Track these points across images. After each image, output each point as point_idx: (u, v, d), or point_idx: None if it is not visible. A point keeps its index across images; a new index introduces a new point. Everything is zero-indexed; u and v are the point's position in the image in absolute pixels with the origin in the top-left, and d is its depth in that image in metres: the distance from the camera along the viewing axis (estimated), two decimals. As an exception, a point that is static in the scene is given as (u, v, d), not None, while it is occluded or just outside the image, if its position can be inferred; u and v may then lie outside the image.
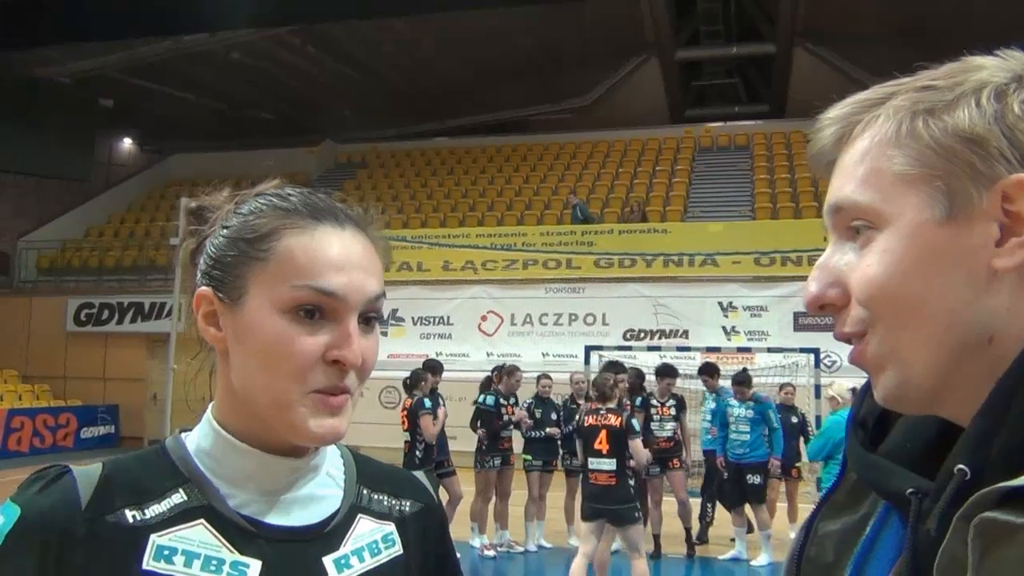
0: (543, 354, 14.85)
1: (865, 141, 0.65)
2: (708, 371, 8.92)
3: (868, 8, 19.70)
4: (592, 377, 9.07)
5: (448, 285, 16.45)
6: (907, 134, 0.62)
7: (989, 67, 0.63)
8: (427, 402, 7.66)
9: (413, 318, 16.33)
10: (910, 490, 0.62)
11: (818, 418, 9.57)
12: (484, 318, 16.08)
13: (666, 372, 8.74)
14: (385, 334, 16.10)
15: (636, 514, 6.36)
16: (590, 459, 6.29)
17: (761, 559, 7.94)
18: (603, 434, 6.20)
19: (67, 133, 20.64)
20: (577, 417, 7.56)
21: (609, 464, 6.15)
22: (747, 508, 8.24)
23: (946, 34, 17.71)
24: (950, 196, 0.60)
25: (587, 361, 11.44)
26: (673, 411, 8.58)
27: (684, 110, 24.85)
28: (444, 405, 7.97)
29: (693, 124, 23.01)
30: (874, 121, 0.65)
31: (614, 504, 6.20)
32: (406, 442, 7.77)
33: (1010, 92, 0.61)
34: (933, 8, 18.44)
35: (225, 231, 0.91)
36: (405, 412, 7.82)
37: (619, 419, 6.30)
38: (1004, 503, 0.53)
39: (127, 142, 25.93)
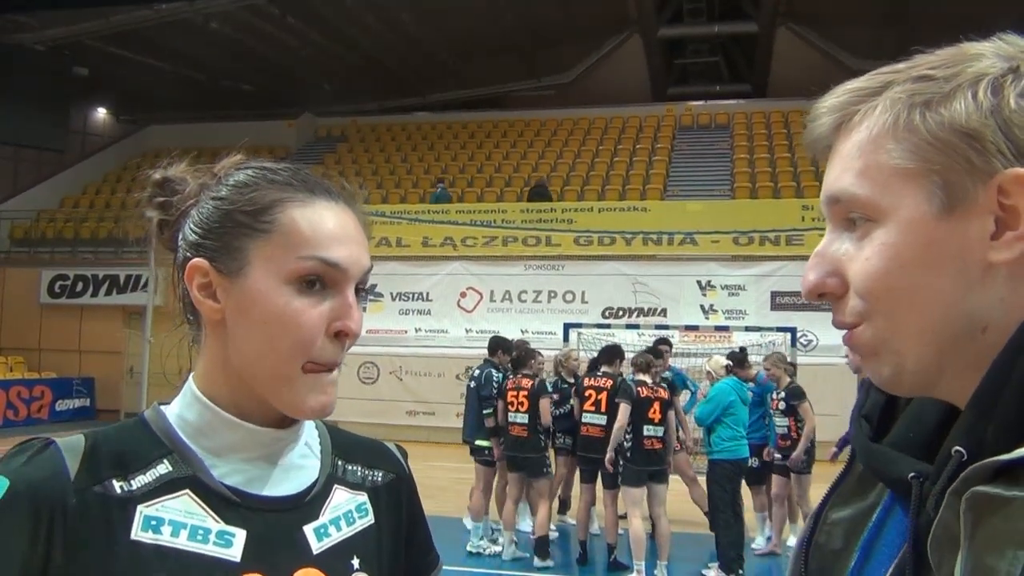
0: (522, 331, 14.81)
1: (863, 132, 0.66)
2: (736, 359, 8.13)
3: (850, -11, 19.73)
4: (565, 354, 9.21)
5: (427, 261, 16.41)
6: (904, 127, 0.63)
7: (987, 56, 0.63)
8: (548, 385, 7.59)
9: (392, 294, 16.28)
10: (911, 474, 0.64)
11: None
12: (463, 294, 16.07)
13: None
14: (364, 309, 16.03)
15: None
16: (645, 426, 6.80)
17: (758, 541, 7.84)
18: (656, 405, 6.84)
19: (41, 102, 20.20)
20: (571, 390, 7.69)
21: (659, 431, 6.83)
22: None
23: (927, 17, 17.81)
24: (947, 190, 0.61)
25: (566, 339, 11.47)
26: None
27: (666, 88, 24.76)
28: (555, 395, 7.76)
29: (674, 102, 22.91)
30: (871, 111, 0.65)
31: (661, 464, 6.92)
32: (523, 425, 7.20)
33: (1007, 85, 0.61)
34: (915, -10, 18.51)
35: (216, 202, 0.91)
36: (525, 393, 7.23)
37: (666, 392, 6.97)
38: (995, 477, 0.55)
39: (102, 112, 25.55)
